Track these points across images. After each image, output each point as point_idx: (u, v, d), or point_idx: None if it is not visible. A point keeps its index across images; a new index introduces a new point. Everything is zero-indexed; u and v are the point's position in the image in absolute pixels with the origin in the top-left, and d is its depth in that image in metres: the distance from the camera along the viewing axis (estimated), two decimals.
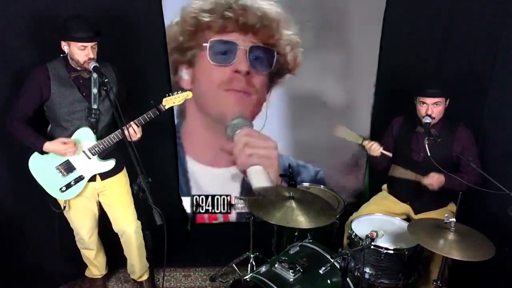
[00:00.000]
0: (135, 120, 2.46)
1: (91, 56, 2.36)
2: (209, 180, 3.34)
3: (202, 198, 3.55)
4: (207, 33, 2.89)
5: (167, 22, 2.94)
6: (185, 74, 2.97)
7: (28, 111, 2.42)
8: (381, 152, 2.70)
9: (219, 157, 3.25)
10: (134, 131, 2.46)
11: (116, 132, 2.47)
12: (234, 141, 2.98)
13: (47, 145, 2.40)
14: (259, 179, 2.96)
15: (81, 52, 2.34)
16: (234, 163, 3.18)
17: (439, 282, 2.37)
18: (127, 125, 2.41)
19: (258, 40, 2.86)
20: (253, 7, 2.82)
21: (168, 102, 2.51)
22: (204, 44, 2.91)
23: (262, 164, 2.93)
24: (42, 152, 2.43)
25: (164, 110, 2.51)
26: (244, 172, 3.09)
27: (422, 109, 2.60)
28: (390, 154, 2.71)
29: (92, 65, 2.33)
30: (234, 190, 3.38)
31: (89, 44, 2.34)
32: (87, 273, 3.01)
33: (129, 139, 2.20)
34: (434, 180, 2.60)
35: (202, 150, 3.30)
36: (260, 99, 3.04)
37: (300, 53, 2.97)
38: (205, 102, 3.03)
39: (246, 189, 3.21)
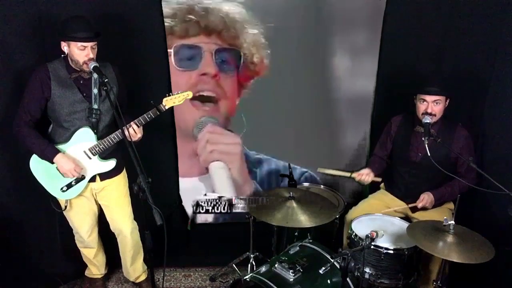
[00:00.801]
0: (135, 120, 2.46)
1: (91, 56, 2.36)
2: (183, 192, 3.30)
3: (202, 198, 3.55)
4: (170, 38, 2.82)
5: None
6: None
7: (35, 113, 2.41)
8: (372, 180, 2.77)
9: (189, 167, 3.18)
10: (134, 131, 2.46)
11: (116, 132, 2.47)
12: (198, 139, 2.89)
13: (59, 158, 2.40)
14: (220, 175, 2.92)
15: (81, 53, 2.34)
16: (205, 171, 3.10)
17: (439, 282, 2.38)
18: (128, 125, 2.41)
19: (223, 42, 2.78)
20: (215, 8, 2.73)
21: (168, 102, 2.51)
22: (169, 50, 2.84)
23: (223, 160, 2.86)
24: (52, 162, 2.42)
25: (164, 110, 2.51)
26: (207, 169, 3.01)
27: (422, 107, 2.60)
28: (379, 179, 2.80)
29: (92, 65, 2.33)
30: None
31: (89, 44, 2.34)
32: (87, 273, 3.02)
33: (129, 139, 2.22)
34: (425, 201, 2.64)
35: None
36: (231, 105, 2.92)
37: (267, 55, 2.90)
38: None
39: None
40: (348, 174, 2.80)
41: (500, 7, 2.81)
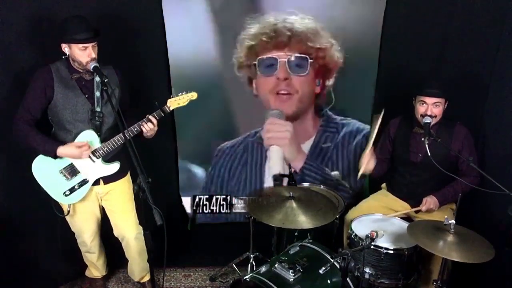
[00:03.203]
0: (141, 121, 2.45)
1: (93, 56, 2.35)
2: None
3: (202, 198, 3.55)
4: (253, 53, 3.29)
5: None
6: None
7: (36, 113, 2.39)
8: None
9: None
10: (151, 126, 2.45)
11: (120, 134, 2.43)
12: (263, 127, 3.47)
13: (61, 150, 2.38)
14: (275, 156, 3.54)
15: (83, 53, 2.34)
16: None
17: (439, 282, 2.37)
18: (145, 120, 2.43)
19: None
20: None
21: (173, 103, 2.51)
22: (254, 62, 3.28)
23: (277, 144, 3.48)
24: (55, 157, 2.41)
25: (168, 111, 2.51)
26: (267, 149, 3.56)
27: (421, 109, 2.60)
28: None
29: (92, 65, 2.33)
30: None
31: (90, 45, 2.34)
32: (87, 273, 3.02)
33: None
34: (429, 204, 2.63)
35: None
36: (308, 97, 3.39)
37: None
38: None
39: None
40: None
41: (500, 7, 2.81)
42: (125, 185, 2.68)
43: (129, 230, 2.71)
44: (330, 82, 3.32)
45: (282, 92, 3.32)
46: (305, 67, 3.25)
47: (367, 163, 2.73)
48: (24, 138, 2.39)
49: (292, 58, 3.22)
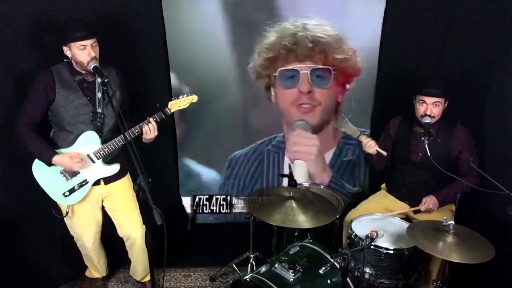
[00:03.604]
0: (142, 123, 2.45)
1: (93, 55, 2.35)
2: None
3: (202, 198, 3.56)
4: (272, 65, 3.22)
5: None
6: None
7: (36, 115, 2.39)
8: (377, 150, 2.67)
9: None
10: (149, 129, 2.45)
11: (121, 135, 2.43)
12: (289, 138, 3.40)
13: (56, 158, 2.38)
14: (300, 170, 3.46)
15: (83, 53, 2.34)
16: None
17: (439, 282, 2.38)
18: (146, 121, 2.44)
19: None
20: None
21: (174, 105, 2.52)
22: (274, 74, 3.21)
23: (303, 158, 3.40)
24: (50, 164, 2.40)
25: (169, 113, 2.52)
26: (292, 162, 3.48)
27: (421, 109, 2.60)
28: (384, 153, 2.69)
29: (92, 65, 2.33)
30: None
31: (88, 43, 2.34)
32: (87, 274, 3.01)
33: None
34: (428, 204, 2.62)
35: None
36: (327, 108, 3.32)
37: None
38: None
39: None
40: (357, 133, 2.80)
41: (500, 7, 2.81)
42: (126, 184, 2.68)
43: (134, 229, 2.69)
44: (350, 86, 3.22)
45: (305, 105, 3.23)
46: (328, 79, 3.15)
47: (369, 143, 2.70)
48: (22, 142, 2.39)
49: (314, 70, 3.10)
